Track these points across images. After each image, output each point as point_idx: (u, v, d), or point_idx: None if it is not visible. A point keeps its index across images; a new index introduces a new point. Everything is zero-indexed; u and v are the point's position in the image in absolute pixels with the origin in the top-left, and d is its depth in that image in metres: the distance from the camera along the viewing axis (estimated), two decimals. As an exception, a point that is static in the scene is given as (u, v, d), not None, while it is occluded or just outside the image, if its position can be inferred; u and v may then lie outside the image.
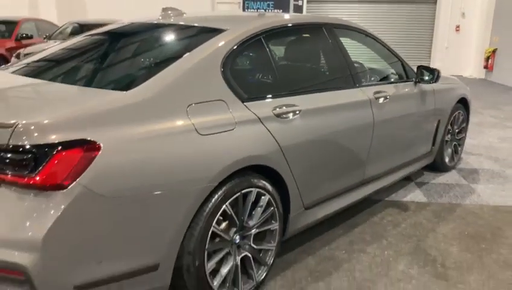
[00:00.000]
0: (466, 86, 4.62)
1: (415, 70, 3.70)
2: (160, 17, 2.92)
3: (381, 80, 3.63)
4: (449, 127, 4.28)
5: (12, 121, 1.67)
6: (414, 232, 3.18)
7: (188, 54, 2.23)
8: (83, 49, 2.80)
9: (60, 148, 1.66)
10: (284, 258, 2.78)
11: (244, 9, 12.82)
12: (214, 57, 2.27)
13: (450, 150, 4.43)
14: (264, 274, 2.44)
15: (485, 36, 12.73)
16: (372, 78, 3.56)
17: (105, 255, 1.79)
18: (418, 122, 3.72)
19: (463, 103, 4.42)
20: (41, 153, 1.65)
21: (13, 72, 2.52)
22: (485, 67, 12.62)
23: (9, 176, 1.67)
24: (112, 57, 2.65)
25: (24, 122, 1.67)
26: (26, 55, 8.09)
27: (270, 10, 12.80)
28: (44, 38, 9.60)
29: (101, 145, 1.73)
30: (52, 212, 1.64)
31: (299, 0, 12.77)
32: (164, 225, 1.92)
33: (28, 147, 1.65)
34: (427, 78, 3.65)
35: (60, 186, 1.65)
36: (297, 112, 2.52)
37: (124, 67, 2.45)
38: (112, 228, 1.78)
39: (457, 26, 13.24)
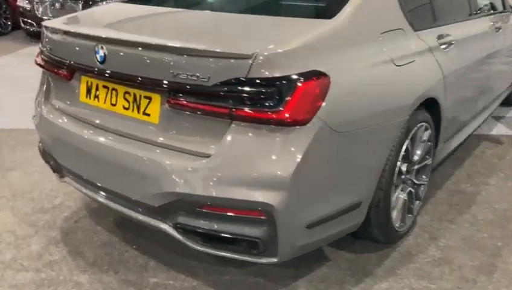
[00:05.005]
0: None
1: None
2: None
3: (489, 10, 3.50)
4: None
5: (251, 52, 1.51)
6: (524, 164, 3.21)
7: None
8: None
9: (302, 80, 1.53)
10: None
11: None
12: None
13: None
14: (419, 208, 2.43)
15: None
16: (485, 10, 3.44)
17: (332, 191, 1.72)
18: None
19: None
20: (284, 86, 1.52)
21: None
22: None
23: (246, 111, 1.53)
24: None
25: (265, 52, 1.51)
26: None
27: None
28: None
29: (330, 75, 1.61)
30: (298, 148, 1.54)
31: None
32: (373, 160, 1.85)
33: (269, 79, 1.51)
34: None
35: (303, 122, 1.54)
36: (453, 42, 2.41)
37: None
38: (340, 163, 1.70)
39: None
